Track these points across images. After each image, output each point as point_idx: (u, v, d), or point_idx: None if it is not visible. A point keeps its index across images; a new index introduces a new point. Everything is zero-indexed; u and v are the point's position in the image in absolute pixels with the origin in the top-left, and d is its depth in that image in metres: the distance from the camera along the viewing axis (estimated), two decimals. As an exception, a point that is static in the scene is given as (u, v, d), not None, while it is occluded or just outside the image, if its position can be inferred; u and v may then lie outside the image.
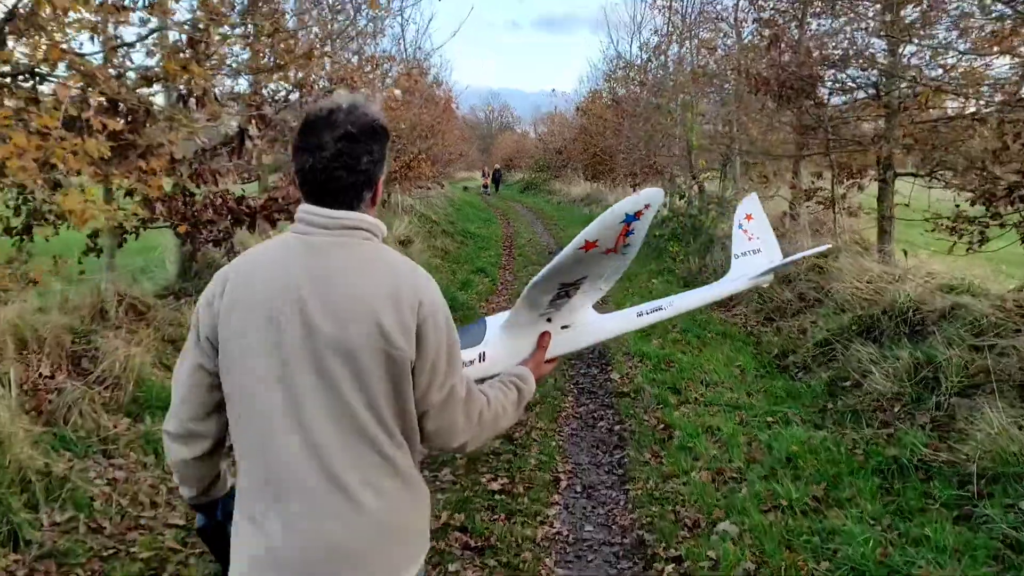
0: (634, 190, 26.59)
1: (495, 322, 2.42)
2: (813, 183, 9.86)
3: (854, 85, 9.38)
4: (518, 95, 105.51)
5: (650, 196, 1.97)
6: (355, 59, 13.82)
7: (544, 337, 2.34)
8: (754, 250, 3.11)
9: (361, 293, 1.69)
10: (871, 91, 9.01)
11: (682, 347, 7.83)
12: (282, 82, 8.91)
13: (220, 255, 6.91)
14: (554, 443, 5.36)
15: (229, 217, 5.95)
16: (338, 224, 1.74)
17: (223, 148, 6.04)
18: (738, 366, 7.08)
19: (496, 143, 76.87)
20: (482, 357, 2.34)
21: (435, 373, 1.74)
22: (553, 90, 68.66)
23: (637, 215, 2.00)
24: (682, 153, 17.34)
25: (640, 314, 2.73)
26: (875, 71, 8.95)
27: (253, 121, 5.75)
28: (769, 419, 5.57)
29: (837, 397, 5.94)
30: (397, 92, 16.53)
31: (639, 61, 23.91)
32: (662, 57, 20.82)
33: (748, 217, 3.18)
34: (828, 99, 9.94)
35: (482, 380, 2.02)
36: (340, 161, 1.71)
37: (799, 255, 3.38)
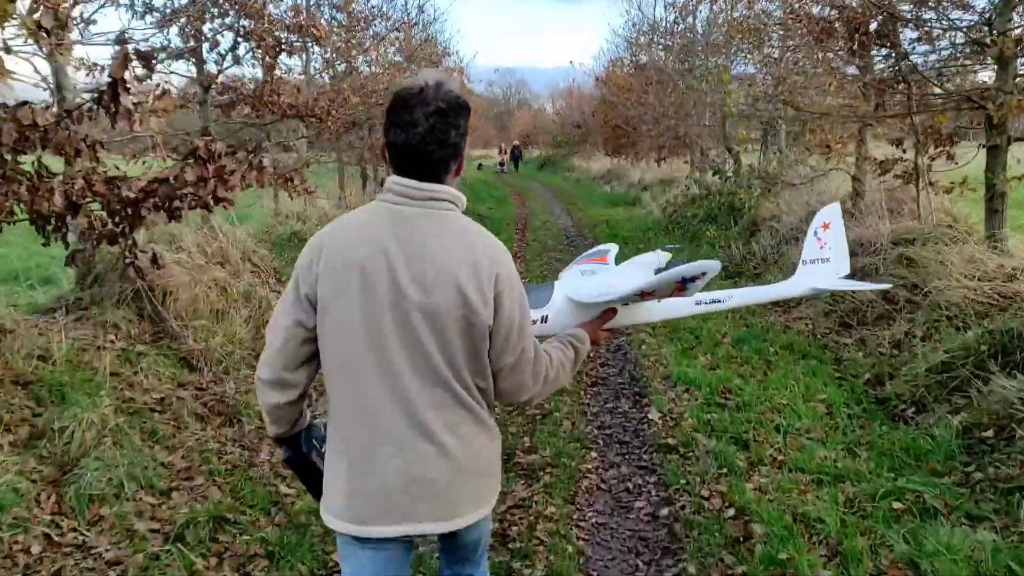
0: (659, 164, 24.67)
1: (562, 288, 2.48)
2: (903, 150, 7.87)
3: (949, 25, 7.40)
4: (534, 72, 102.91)
5: (708, 266, 2.21)
6: (341, 16, 11.94)
7: (608, 313, 2.42)
8: (824, 259, 3.10)
9: (446, 262, 1.83)
10: (976, 33, 7.03)
11: (739, 367, 5.95)
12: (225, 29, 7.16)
13: (116, 257, 5.13)
14: (570, 547, 3.52)
15: (102, 207, 4.16)
16: (426, 195, 1.87)
17: (97, 108, 4.22)
18: (822, 400, 5.20)
19: (513, 119, 74.87)
20: (544, 319, 2.38)
21: (509, 338, 1.90)
22: (571, 62, 65.55)
23: (693, 279, 2.24)
24: (715, 122, 15.37)
25: (699, 303, 2.75)
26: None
27: (129, 66, 3.91)
28: (895, 503, 3.70)
29: (982, 458, 4.07)
30: (391, 52, 14.64)
31: (664, 24, 21.83)
32: (690, 19, 18.78)
33: (825, 226, 3.14)
34: (912, 47, 7.98)
35: (540, 339, 2.11)
36: (432, 136, 1.83)
37: (858, 286, 3.19)
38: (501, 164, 41.36)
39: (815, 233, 3.12)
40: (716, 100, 14.80)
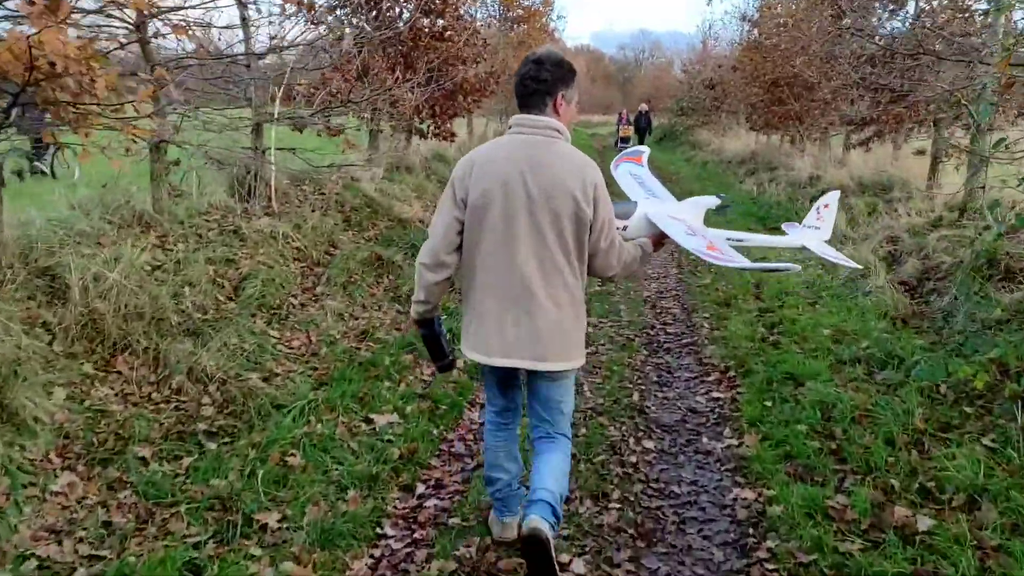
0: (848, 149, 14.37)
1: (643, 209, 3.23)
2: None
3: None
4: (674, 36, 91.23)
5: (792, 268, 3.33)
6: None
7: (665, 236, 3.21)
8: (816, 227, 3.79)
9: (562, 174, 2.66)
10: None
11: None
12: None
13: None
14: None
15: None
16: (541, 125, 2.73)
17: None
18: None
19: (636, 81, 65.09)
20: (625, 228, 3.14)
21: (603, 229, 2.76)
22: (709, 1, 50.90)
23: (779, 270, 3.41)
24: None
25: (729, 239, 3.41)
26: None
27: None
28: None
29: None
30: None
31: None
32: None
33: (826, 206, 3.82)
34: None
35: None
36: (529, 75, 2.73)
37: (838, 257, 3.76)
38: (623, 139, 26.44)
39: (817, 209, 3.83)
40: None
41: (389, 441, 3.96)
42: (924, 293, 6.90)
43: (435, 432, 4.18)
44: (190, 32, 5.23)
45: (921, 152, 10.36)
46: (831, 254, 3.70)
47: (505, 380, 3.00)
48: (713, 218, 3.55)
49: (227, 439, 3.78)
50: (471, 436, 4.24)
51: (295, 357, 4.87)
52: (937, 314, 6.12)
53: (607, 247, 2.79)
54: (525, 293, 2.68)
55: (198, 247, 5.74)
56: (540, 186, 2.64)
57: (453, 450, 4.06)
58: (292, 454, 3.61)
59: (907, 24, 10.13)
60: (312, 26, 7.50)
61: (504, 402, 3.07)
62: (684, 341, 6.07)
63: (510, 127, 2.78)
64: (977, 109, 8.33)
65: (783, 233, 4.05)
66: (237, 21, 7.19)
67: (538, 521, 2.67)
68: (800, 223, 3.92)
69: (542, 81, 2.71)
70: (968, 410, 4.22)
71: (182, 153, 6.57)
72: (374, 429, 4.09)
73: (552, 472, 2.86)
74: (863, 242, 8.76)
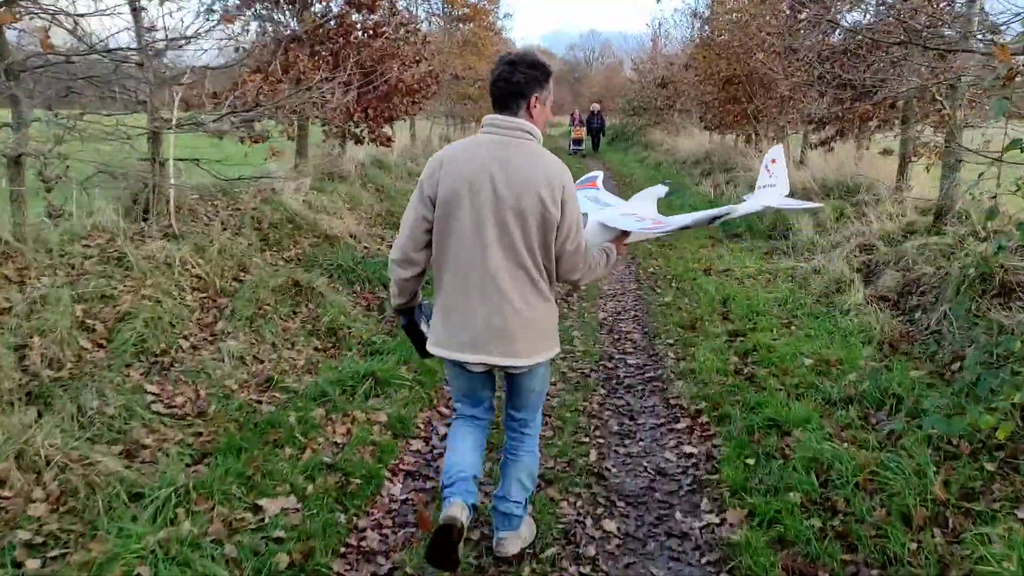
0: (831, 144, 12.58)
1: (595, 217, 3.25)
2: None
3: None
4: (624, 37, 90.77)
5: (732, 208, 3.54)
6: None
7: (625, 234, 3.24)
8: (772, 184, 3.84)
9: (529, 176, 2.65)
10: None
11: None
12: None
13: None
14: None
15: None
16: (512, 126, 2.72)
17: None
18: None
19: (587, 82, 64.61)
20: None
21: (569, 232, 2.72)
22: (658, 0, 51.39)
23: (720, 217, 3.43)
24: None
25: (696, 220, 3.44)
26: None
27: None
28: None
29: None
30: None
31: None
32: None
33: (773, 161, 3.89)
34: None
35: None
36: (502, 77, 2.73)
37: (796, 204, 3.98)
38: (576, 142, 26.83)
39: (766, 167, 3.90)
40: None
41: (278, 540, 3.08)
42: (907, 309, 6.23)
43: (342, 519, 3.31)
44: (22, 18, 4.26)
45: (888, 152, 9.75)
46: (794, 204, 3.92)
47: (474, 382, 2.97)
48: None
49: (58, 552, 2.86)
50: (389, 521, 3.38)
51: (174, 421, 3.95)
52: (928, 337, 5.44)
53: (573, 250, 2.78)
54: (494, 291, 2.70)
55: (67, 281, 4.78)
56: (508, 186, 2.65)
57: (363, 544, 3.19)
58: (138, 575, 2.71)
59: (868, 15, 9.51)
60: (214, 15, 6.55)
61: (473, 410, 3.06)
62: (647, 375, 5.28)
63: (483, 127, 2.80)
64: (953, 104, 7.74)
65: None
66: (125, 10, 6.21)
67: (510, 543, 3.08)
68: (757, 186, 4.03)
69: (515, 83, 2.73)
70: (989, 467, 3.50)
71: (61, 167, 5.60)
72: (262, 521, 3.20)
73: (523, 482, 3.07)
74: (833, 250, 8.11)
